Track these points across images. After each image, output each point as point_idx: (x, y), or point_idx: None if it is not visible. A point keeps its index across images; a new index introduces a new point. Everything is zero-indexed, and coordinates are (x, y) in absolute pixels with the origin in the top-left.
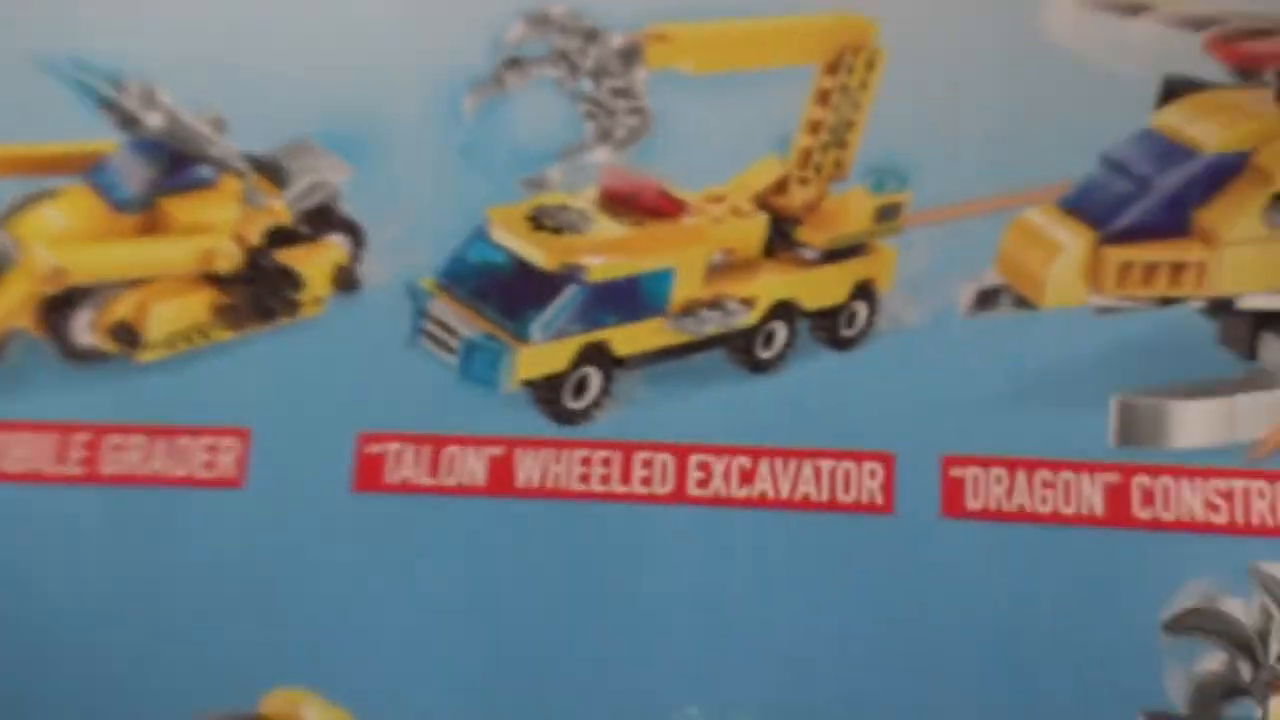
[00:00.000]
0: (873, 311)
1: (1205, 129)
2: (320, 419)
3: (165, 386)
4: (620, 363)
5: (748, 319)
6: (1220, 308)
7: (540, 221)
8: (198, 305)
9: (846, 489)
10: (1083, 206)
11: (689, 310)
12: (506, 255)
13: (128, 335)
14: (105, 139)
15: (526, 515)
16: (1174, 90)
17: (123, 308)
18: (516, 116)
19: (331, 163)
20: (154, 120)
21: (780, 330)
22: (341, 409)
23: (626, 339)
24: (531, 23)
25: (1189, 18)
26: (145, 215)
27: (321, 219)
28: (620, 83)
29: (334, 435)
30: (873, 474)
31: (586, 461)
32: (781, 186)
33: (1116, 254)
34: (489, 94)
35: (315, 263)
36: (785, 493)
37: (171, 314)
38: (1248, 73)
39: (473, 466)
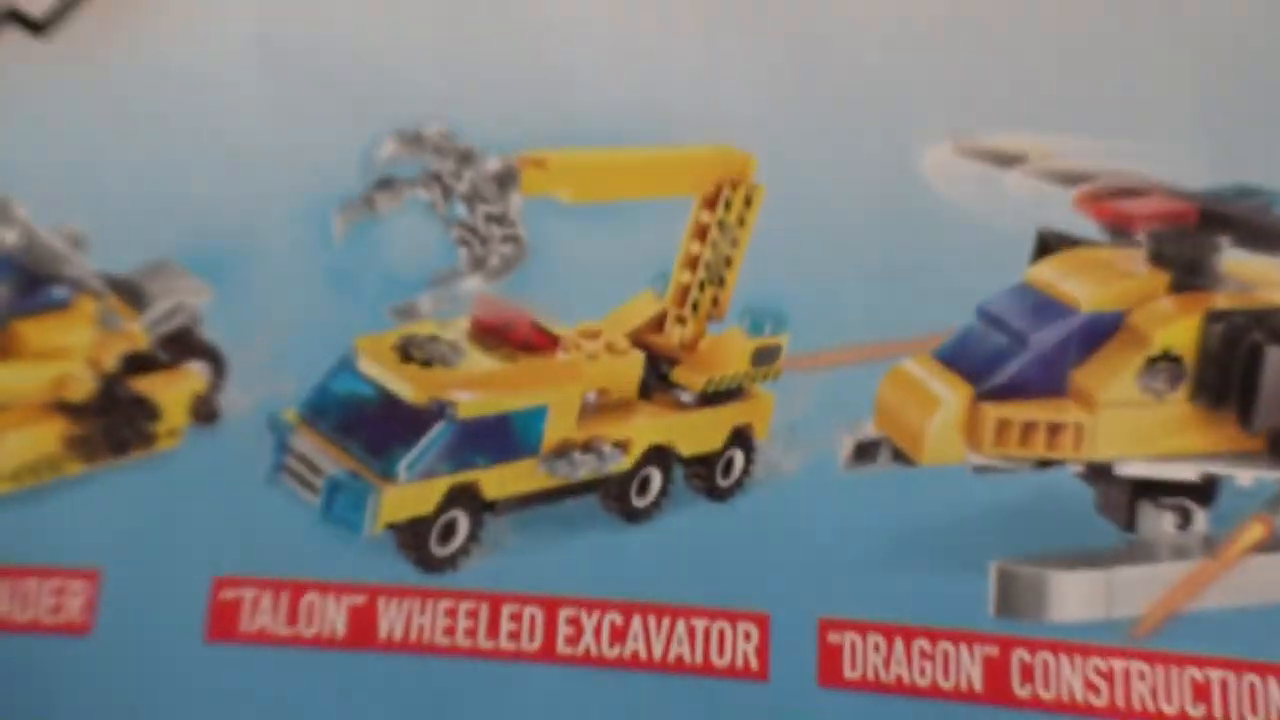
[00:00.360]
0: (750, 460)
1: (1080, 286)
2: (174, 561)
3: (10, 524)
4: (490, 506)
5: (622, 463)
6: (1098, 473)
7: (409, 352)
8: (48, 436)
9: (721, 651)
10: (960, 359)
11: (562, 452)
12: (373, 387)
13: None
14: None
15: (389, 670)
16: (1048, 244)
17: None
18: (387, 240)
19: (192, 285)
20: (8, 236)
21: (655, 476)
22: (197, 550)
23: (497, 481)
24: (403, 141)
25: (1061, 172)
26: None
27: (181, 344)
28: (495, 209)
29: (188, 579)
30: (748, 635)
31: (452, 613)
32: (658, 324)
33: (994, 411)
34: (359, 215)
35: (173, 391)
36: (658, 653)
37: (20, 445)
38: (1119, 231)
39: (333, 616)
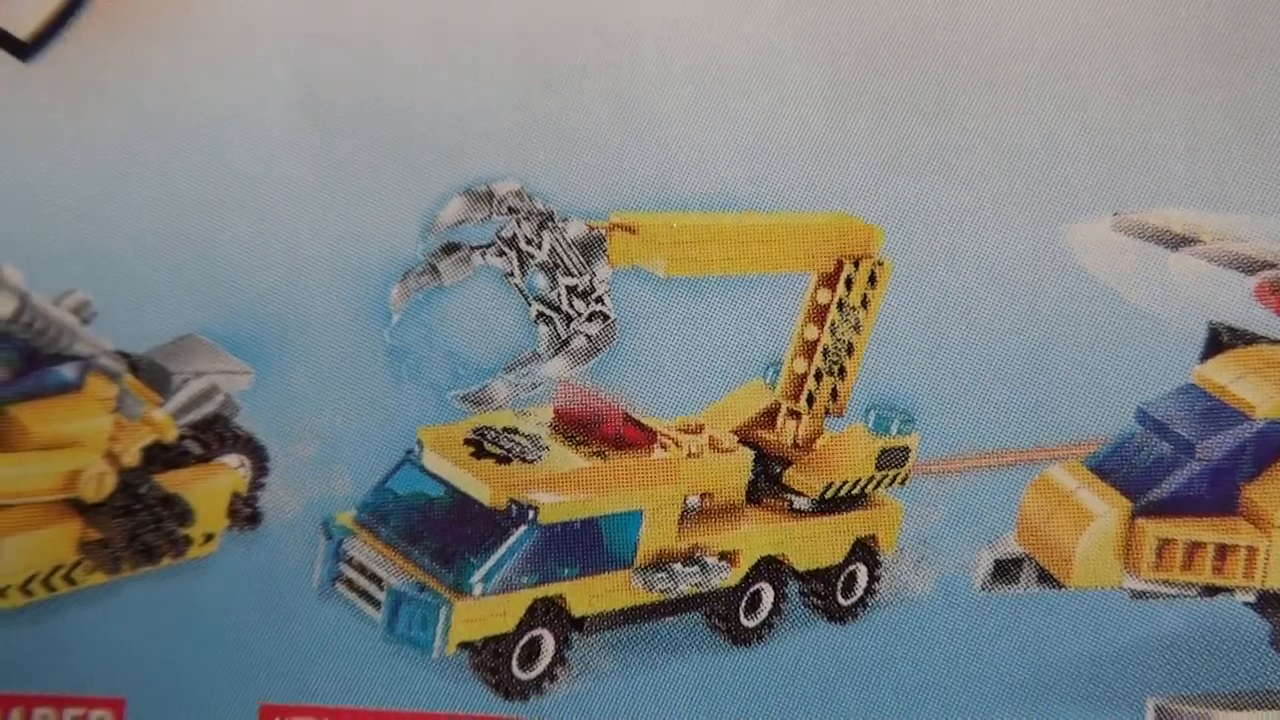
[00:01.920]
0: (874, 577)
1: (1256, 390)
2: (212, 688)
3: (19, 644)
4: (579, 624)
5: (729, 578)
6: (1273, 603)
7: (483, 447)
8: (60, 541)
9: None
10: (1116, 469)
11: (660, 564)
12: (442, 487)
13: None
14: None
15: None
16: (1221, 340)
17: None
18: (453, 316)
19: (228, 365)
20: (1, 306)
21: (767, 593)
22: (239, 676)
23: (586, 595)
24: (473, 200)
25: (1239, 257)
26: None
27: (214, 435)
28: (579, 280)
29: (229, 709)
30: None
31: None
32: (769, 419)
33: (1155, 528)
34: (420, 286)
35: (206, 490)
36: None
37: (27, 552)
38: None
39: None
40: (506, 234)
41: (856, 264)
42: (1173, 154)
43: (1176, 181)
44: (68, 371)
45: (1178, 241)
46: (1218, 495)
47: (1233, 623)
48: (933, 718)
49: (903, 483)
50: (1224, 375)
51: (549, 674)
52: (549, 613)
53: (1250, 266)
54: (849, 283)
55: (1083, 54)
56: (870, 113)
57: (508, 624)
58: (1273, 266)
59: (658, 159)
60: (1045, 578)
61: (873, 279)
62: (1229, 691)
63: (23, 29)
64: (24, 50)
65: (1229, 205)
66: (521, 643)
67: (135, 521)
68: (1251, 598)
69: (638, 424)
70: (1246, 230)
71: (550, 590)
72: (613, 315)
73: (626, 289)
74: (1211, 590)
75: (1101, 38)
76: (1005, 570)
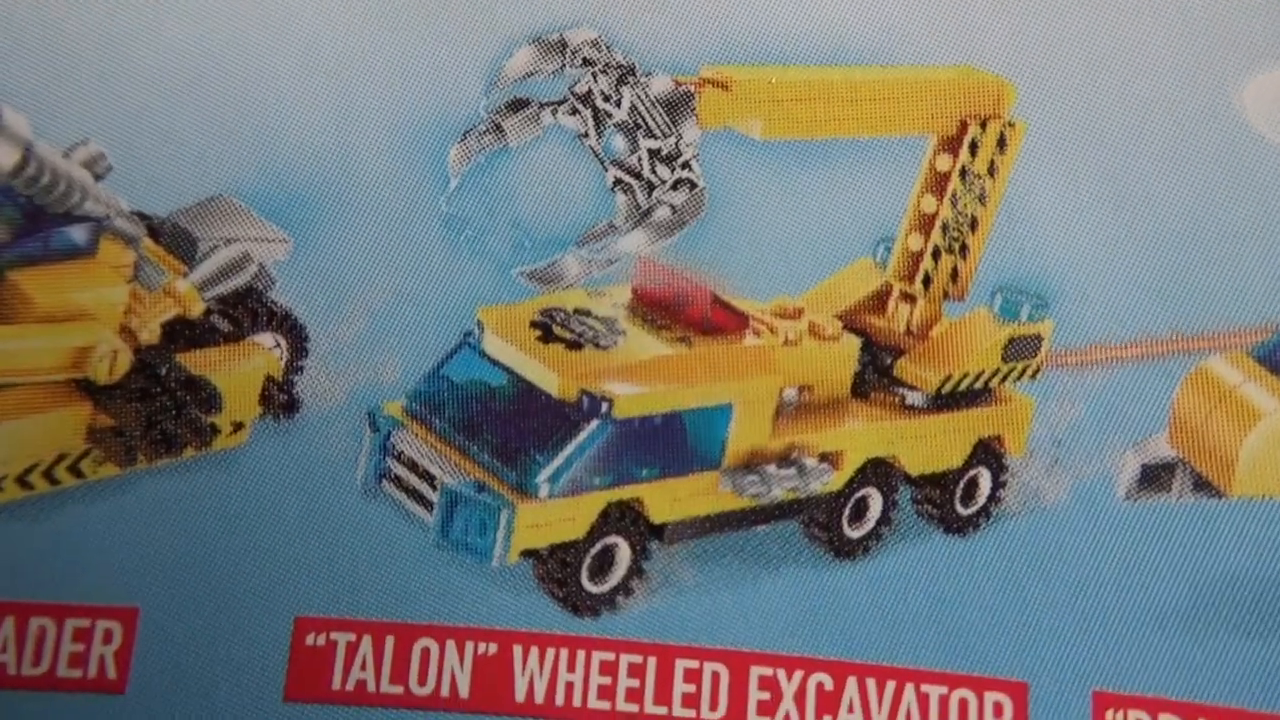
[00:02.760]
0: (1000, 483)
1: None
2: (239, 596)
3: (18, 544)
4: (658, 532)
5: (831, 482)
6: None
7: (551, 331)
8: (65, 427)
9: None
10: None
11: (752, 465)
12: (504, 375)
13: None
14: None
15: None
16: None
17: None
18: (520, 181)
19: (263, 232)
20: (2, 156)
21: (875, 500)
22: (271, 583)
23: (667, 499)
24: (544, 50)
25: None
26: None
27: (246, 311)
28: (664, 143)
29: (259, 620)
30: (999, 709)
31: (610, 668)
32: (879, 302)
33: None
34: (483, 146)
35: (236, 373)
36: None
37: (29, 438)
38: None
39: (454, 670)
40: (581, 89)
41: (984, 125)
42: None
43: None
44: (77, 234)
45: None
46: None
47: None
48: (1066, 644)
49: (1034, 376)
50: None
51: (623, 588)
52: (624, 518)
53: None
54: (974, 147)
55: None
56: None
57: (578, 530)
58: None
59: (755, 2)
60: (1202, 485)
61: (1002, 142)
62: None
63: None
64: None
65: None
66: (593, 552)
67: (154, 407)
68: None
69: (728, 306)
70: None
71: (626, 493)
72: (701, 183)
73: (718, 154)
74: None
75: None
76: (1155, 477)
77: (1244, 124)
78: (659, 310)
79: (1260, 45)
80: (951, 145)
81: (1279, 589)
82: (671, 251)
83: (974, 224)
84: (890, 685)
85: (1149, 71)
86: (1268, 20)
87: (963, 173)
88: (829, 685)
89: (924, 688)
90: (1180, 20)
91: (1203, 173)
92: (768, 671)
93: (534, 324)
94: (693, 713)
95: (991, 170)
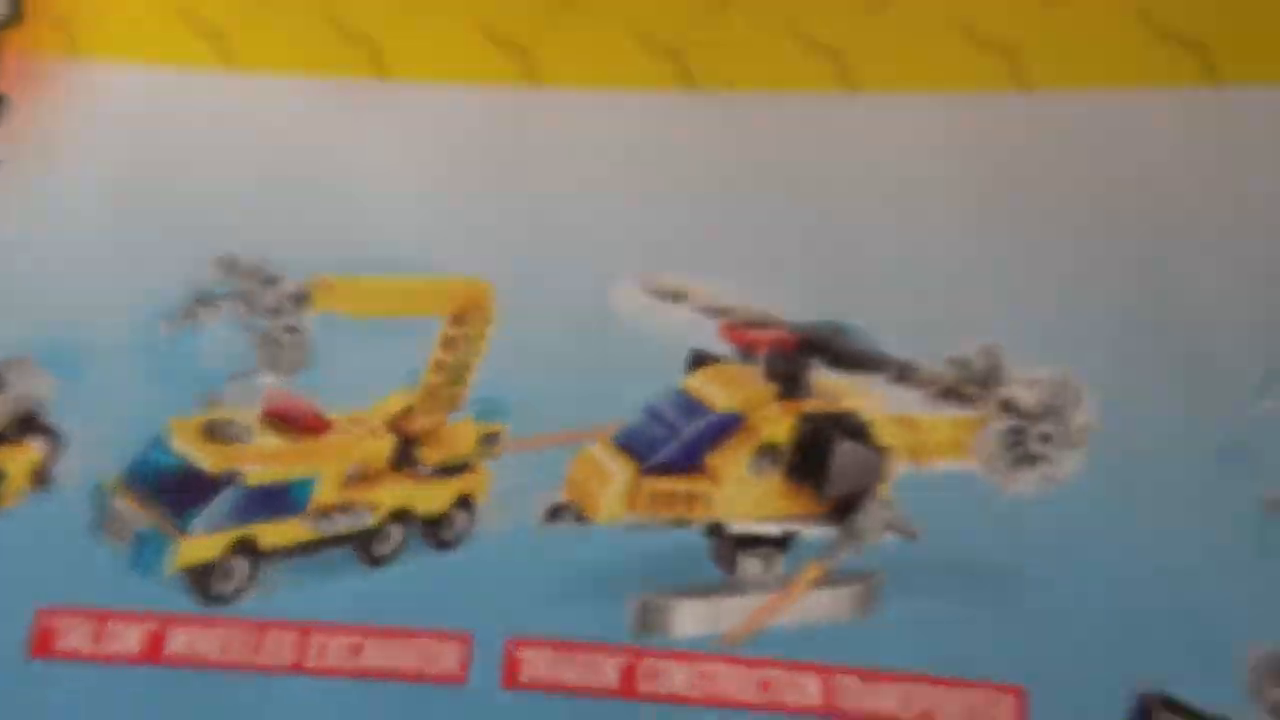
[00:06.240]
0: (470, 519)
1: (717, 393)
2: (4, 594)
3: None
4: (266, 555)
5: (370, 522)
6: (715, 530)
7: (212, 433)
8: None
9: (433, 663)
10: (630, 444)
11: (325, 513)
12: (180, 459)
13: None
14: None
15: (176, 681)
16: (698, 360)
17: None
18: (202, 344)
19: (41, 378)
20: None
21: (395, 532)
22: (24, 586)
23: (271, 534)
24: (221, 266)
25: (711, 307)
26: None
27: (26, 424)
28: (290, 321)
29: (15, 608)
30: (456, 650)
31: (227, 637)
32: (409, 414)
33: (650, 484)
34: (182, 324)
35: (16, 461)
36: (388, 665)
37: None
38: (747, 353)
39: (129, 638)
40: (243, 289)
41: (475, 310)
42: (673, 230)
43: (673, 251)
44: None
45: (677, 297)
46: (691, 461)
47: (691, 544)
48: (498, 611)
49: (497, 456)
50: (700, 383)
51: (241, 589)
52: (244, 547)
53: (718, 313)
54: (469, 322)
55: None
56: (501, 199)
57: (214, 554)
58: (730, 313)
59: (355, 235)
60: (580, 517)
61: (486, 321)
62: (686, 587)
63: None
64: None
65: (707, 270)
66: (222, 567)
67: None
68: (703, 527)
69: (320, 417)
70: (717, 288)
71: (247, 531)
72: (311, 344)
73: (323, 326)
74: (681, 523)
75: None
76: (555, 512)
77: (615, 310)
78: (279, 420)
79: (623, 263)
80: (457, 321)
81: (619, 573)
82: (289, 385)
83: (467, 367)
84: (395, 642)
85: (568, 276)
86: (630, 245)
87: (463, 338)
88: (359, 642)
89: (412, 641)
90: (580, 245)
91: (593, 339)
92: (322, 638)
93: (201, 429)
94: (276, 661)
95: (479, 336)
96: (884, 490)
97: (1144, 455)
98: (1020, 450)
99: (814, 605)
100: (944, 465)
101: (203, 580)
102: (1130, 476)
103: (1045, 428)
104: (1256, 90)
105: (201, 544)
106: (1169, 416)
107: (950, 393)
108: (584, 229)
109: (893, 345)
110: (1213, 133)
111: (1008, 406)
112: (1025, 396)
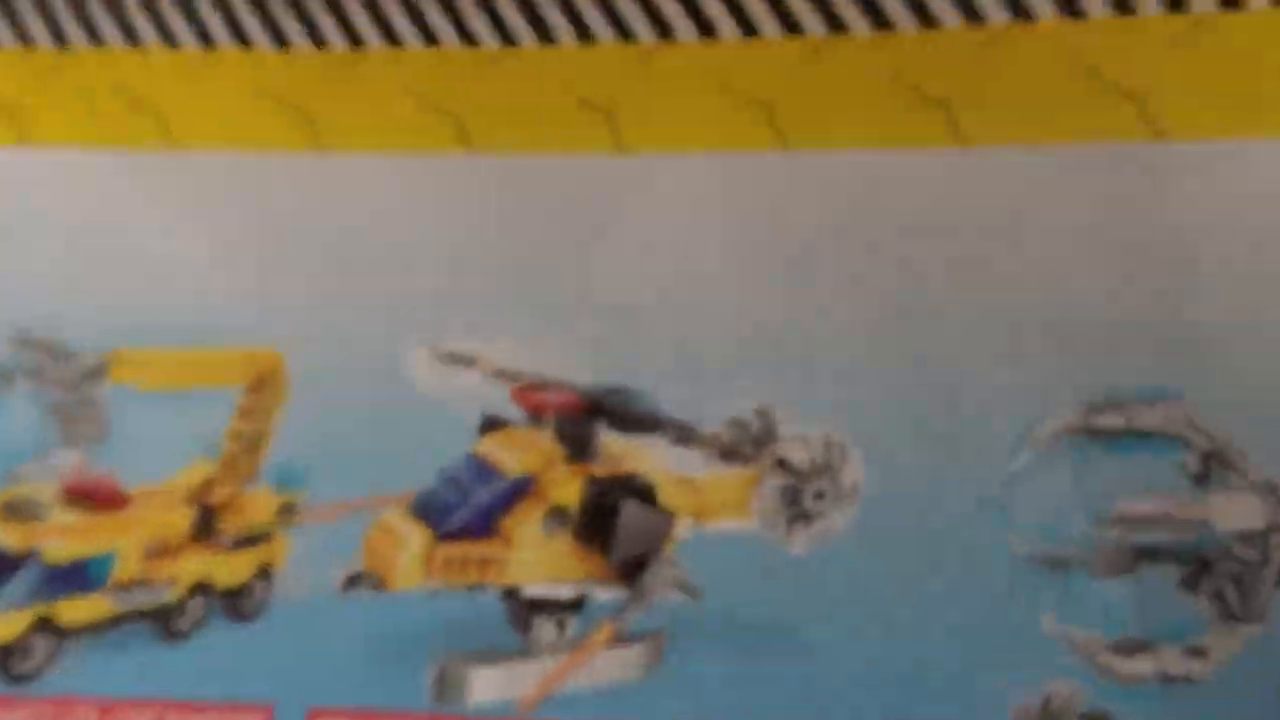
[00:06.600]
0: (269, 589)
1: (509, 456)
2: None
3: None
4: (67, 632)
5: (170, 595)
6: (510, 594)
7: (10, 511)
8: None
9: None
10: (425, 511)
11: (124, 587)
12: None
13: None
14: None
15: None
16: (490, 424)
17: None
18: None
19: None
20: None
21: (196, 605)
22: None
23: (72, 611)
24: (16, 344)
25: (501, 371)
26: None
27: None
28: (87, 394)
29: None
30: None
31: (29, 716)
32: (208, 485)
33: (446, 549)
34: None
35: None
36: None
37: None
38: (537, 416)
39: None
40: (38, 365)
41: (271, 378)
42: (459, 297)
43: (462, 318)
44: None
45: (467, 362)
46: (485, 526)
47: (487, 608)
48: (298, 682)
49: (295, 525)
50: (492, 448)
51: (42, 665)
52: (45, 623)
53: (508, 377)
54: (265, 391)
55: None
56: (293, 261)
57: (14, 632)
58: (519, 377)
59: (153, 308)
60: (378, 584)
61: (279, 390)
62: (481, 653)
63: None
64: None
65: (496, 333)
66: (23, 644)
67: None
68: (499, 591)
69: (118, 491)
70: (506, 352)
71: (47, 609)
72: (108, 417)
73: (119, 398)
74: (474, 587)
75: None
76: (353, 580)
77: (408, 374)
78: (78, 496)
79: (415, 330)
80: (254, 390)
81: (416, 640)
82: (88, 459)
83: (263, 436)
84: (193, 717)
85: (362, 342)
86: (419, 312)
87: (259, 407)
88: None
89: (209, 717)
90: (375, 311)
91: (386, 404)
92: (122, 714)
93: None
94: None
95: (274, 405)
96: (669, 549)
97: (909, 511)
98: (796, 508)
99: (604, 666)
100: (726, 524)
101: (3, 660)
102: (897, 532)
103: (819, 485)
104: (999, 150)
105: (1, 623)
106: (931, 473)
107: (729, 453)
108: (373, 295)
109: (674, 408)
110: (960, 192)
111: (782, 464)
112: (798, 455)
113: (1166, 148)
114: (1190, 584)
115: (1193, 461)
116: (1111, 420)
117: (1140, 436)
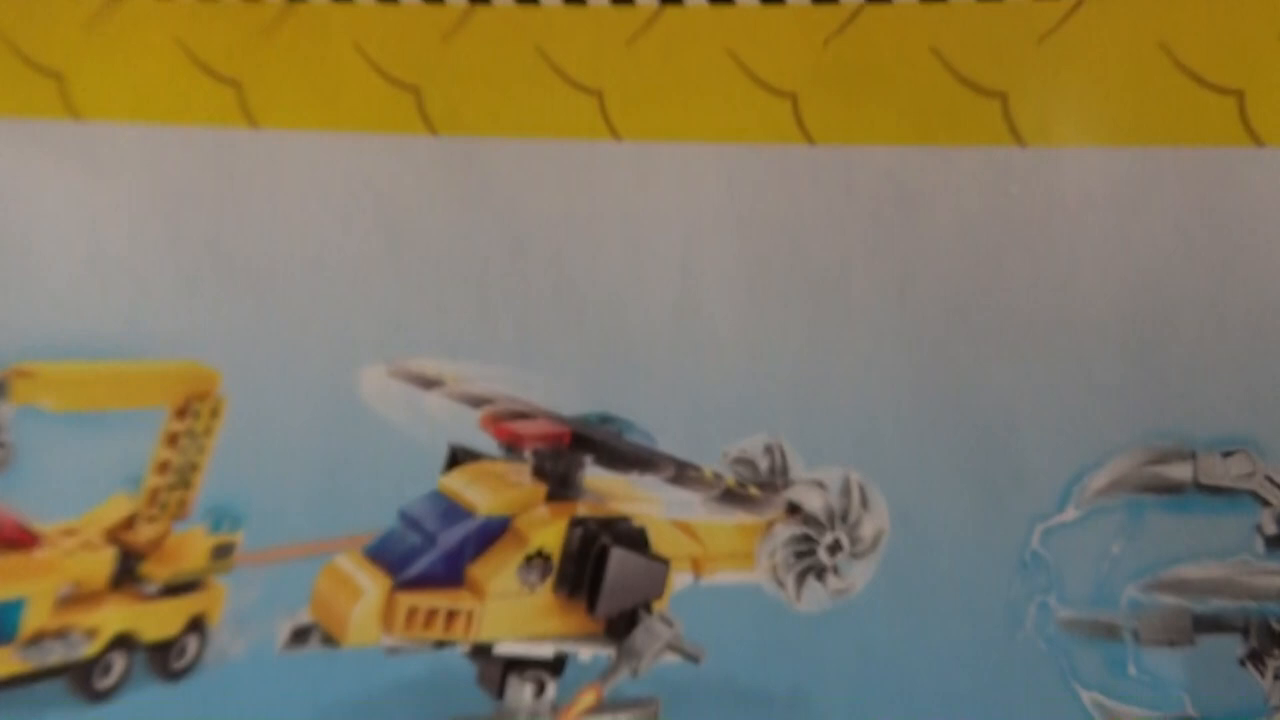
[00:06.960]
0: (202, 645)
1: (479, 494)
2: None
3: None
4: None
5: (89, 650)
6: (480, 651)
7: None
8: None
9: None
10: (383, 555)
11: (36, 640)
12: None
13: None
14: None
15: None
16: (458, 457)
17: None
18: None
19: None
20: None
21: (118, 661)
22: None
23: None
24: None
25: (470, 395)
26: None
27: None
28: None
29: None
30: None
31: None
32: (130, 523)
33: (406, 600)
34: None
35: None
36: None
37: None
38: (512, 448)
39: None
40: None
41: (201, 400)
42: (423, 312)
43: (427, 335)
44: None
45: (430, 384)
46: (451, 573)
47: (455, 668)
48: None
49: (230, 570)
50: (459, 483)
51: None
52: None
53: (478, 403)
54: (195, 414)
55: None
56: (217, 269)
57: None
58: (492, 403)
59: (49, 318)
60: (328, 639)
61: (214, 413)
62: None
63: None
64: None
65: (464, 355)
66: None
67: None
68: (467, 648)
69: (26, 529)
70: (475, 375)
71: None
72: (11, 444)
73: (21, 422)
74: (441, 644)
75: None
76: (299, 635)
77: (360, 399)
78: None
79: (364, 348)
80: (181, 413)
81: (373, 706)
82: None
83: (194, 467)
84: None
85: (304, 362)
86: (373, 328)
87: (189, 433)
88: None
89: None
90: (321, 327)
91: (337, 431)
92: None
93: None
94: None
95: (207, 431)
96: (663, 604)
97: (936, 567)
98: (809, 561)
99: None
100: (728, 577)
101: None
102: (922, 591)
103: (835, 535)
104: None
105: None
106: (964, 524)
107: (734, 495)
108: (323, 302)
109: (671, 441)
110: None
111: (794, 510)
112: (812, 499)
113: (1259, 152)
114: (1255, 659)
115: (1270, 523)
116: (1177, 472)
117: (1208, 491)
